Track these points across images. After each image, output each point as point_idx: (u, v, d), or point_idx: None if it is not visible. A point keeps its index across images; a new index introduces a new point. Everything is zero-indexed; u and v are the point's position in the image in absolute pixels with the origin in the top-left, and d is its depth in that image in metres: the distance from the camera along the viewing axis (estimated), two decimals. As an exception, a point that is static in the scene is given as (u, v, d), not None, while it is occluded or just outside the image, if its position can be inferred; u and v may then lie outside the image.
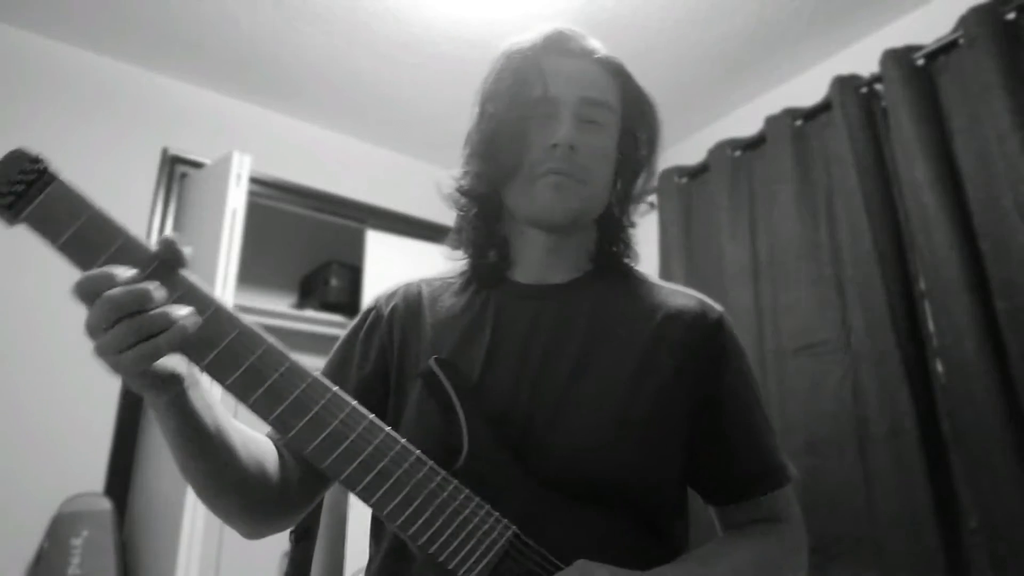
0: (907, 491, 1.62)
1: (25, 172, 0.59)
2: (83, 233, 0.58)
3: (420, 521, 0.60)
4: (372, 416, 0.61)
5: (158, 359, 0.54)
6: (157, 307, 0.53)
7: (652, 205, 2.70)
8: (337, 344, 0.85)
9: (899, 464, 1.65)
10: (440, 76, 2.32)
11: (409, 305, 0.83)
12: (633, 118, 0.84)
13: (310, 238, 3.14)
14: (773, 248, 2.09)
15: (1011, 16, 1.68)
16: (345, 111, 2.58)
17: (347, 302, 2.93)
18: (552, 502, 0.66)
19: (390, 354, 0.80)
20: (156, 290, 0.54)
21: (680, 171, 2.53)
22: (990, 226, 1.60)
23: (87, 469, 1.94)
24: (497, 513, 0.63)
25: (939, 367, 1.68)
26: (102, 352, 0.53)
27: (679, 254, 2.42)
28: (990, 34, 1.66)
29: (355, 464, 0.59)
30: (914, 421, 1.64)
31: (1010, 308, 1.53)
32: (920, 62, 1.82)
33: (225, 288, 1.97)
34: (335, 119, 2.64)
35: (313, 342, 2.79)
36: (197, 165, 2.31)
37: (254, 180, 2.26)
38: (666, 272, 2.44)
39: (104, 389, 2.00)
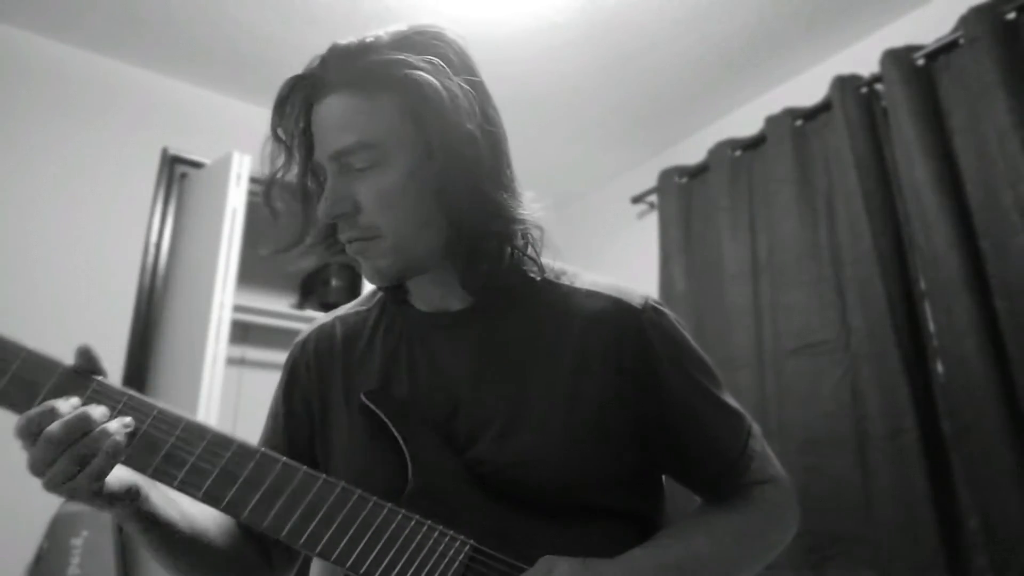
0: (907, 491, 1.62)
1: None
2: None
3: (371, 557, 0.60)
4: (305, 468, 0.62)
5: (104, 477, 0.55)
6: (96, 428, 0.54)
7: (652, 205, 2.70)
8: (270, 402, 0.84)
9: (899, 464, 1.65)
10: (440, 76, 2.32)
11: (322, 351, 0.80)
12: (433, 123, 0.65)
13: (310, 238, 3.13)
14: (773, 248, 2.09)
15: (1011, 16, 1.68)
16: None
17: (347, 302, 2.92)
18: (507, 515, 0.66)
19: (314, 407, 0.78)
20: (94, 411, 0.55)
21: (680, 171, 2.53)
22: (990, 226, 1.60)
23: (87, 469, 1.94)
24: (452, 532, 0.62)
25: (939, 367, 1.68)
26: (52, 487, 0.54)
27: (679, 254, 2.42)
28: (990, 34, 1.66)
29: (296, 517, 0.60)
30: (914, 421, 1.64)
31: (1010, 308, 1.53)
32: (920, 62, 1.82)
33: (225, 288, 1.97)
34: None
35: (313, 342, 2.78)
36: (197, 165, 2.31)
37: (254, 180, 2.26)
38: (666, 272, 2.44)
39: (104, 389, 2.00)
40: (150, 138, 2.27)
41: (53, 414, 0.53)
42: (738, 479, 0.75)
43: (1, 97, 2.04)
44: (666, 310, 0.75)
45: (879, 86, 1.93)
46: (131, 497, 0.59)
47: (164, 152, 2.28)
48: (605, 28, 2.07)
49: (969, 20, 1.71)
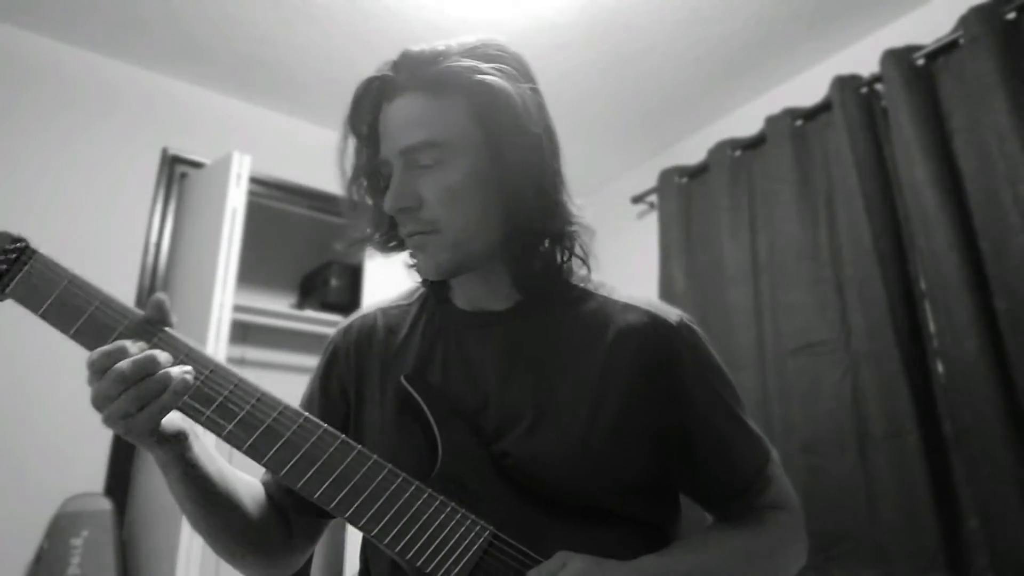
0: (907, 491, 1.62)
1: (6, 252, 0.65)
2: (62, 300, 0.63)
3: (395, 530, 0.63)
4: (343, 437, 0.65)
5: (165, 414, 0.59)
6: (160, 370, 0.58)
7: (652, 205, 2.70)
8: (307, 383, 0.86)
9: (899, 464, 1.65)
10: (440, 76, 2.32)
11: (363, 340, 0.82)
12: (502, 125, 0.69)
13: (310, 238, 3.14)
14: (773, 248, 2.09)
15: (1011, 16, 1.68)
16: (345, 111, 2.57)
17: (347, 302, 2.93)
18: (525, 510, 0.67)
19: (349, 392, 0.81)
20: (160, 354, 0.59)
21: (680, 171, 2.53)
22: (990, 226, 1.60)
23: (87, 469, 1.94)
24: (473, 516, 0.64)
25: (939, 367, 1.68)
26: (111, 421, 0.57)
27: (679, 254, 2.42)
28: (990, 34, 1.66)
29: (328, 482, 0.63)
30: (914, 421, 1.64)
31: (1010, 308, 1.53)
32: (920, 62, 1.82)
33: (225, 288, 1.97)
34: (335, 119, 2.62)
35: (313, 342, 2.79)
36: (197, 165, 2.31)
37: (254, 180, 2.27)
38: (666, 272, 2.44)
39: (104, 389, 2.00)
40: (150, 138, 2.27)
41: (123, 352, 0.57)
42: (752, 501, 0.76)
43: (1, 97, 2.04)
44: (699, 329, 0.78)
45: (879, 86, 1.93)
46: (180, 440, 0.63)
47: (164, 152, 2.28)
48: (605, 29, 2.07)
49: (969, 20, 1.71)
